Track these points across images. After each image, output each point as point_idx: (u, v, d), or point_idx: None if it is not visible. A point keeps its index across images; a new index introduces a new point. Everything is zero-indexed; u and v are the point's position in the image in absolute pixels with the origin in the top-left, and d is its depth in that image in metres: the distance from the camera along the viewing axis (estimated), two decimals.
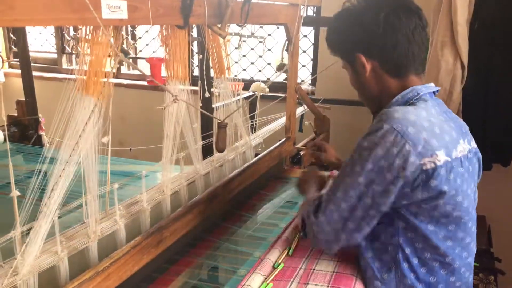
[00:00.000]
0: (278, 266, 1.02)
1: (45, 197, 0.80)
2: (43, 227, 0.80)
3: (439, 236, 0.93)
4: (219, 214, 1.31)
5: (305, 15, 1.58)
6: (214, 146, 1.19)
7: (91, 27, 0.83)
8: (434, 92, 1.02)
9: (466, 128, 1.05)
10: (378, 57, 0.99)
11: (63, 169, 0.79)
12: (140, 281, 1.00)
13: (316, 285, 0.95)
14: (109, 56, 0.85)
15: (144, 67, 3.30)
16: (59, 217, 0.84)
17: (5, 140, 2.15)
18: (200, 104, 1.21)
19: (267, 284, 0.95)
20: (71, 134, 0.84)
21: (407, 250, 0.95)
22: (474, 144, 1.04)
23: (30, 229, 0.80)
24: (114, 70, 0.89)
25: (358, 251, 1.01)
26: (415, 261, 0.95)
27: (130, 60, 3.34)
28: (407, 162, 0.87)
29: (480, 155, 1.06)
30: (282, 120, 1.80)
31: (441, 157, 0.89)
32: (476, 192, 1.03)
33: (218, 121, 1.14)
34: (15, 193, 0.78)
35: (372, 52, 0.99)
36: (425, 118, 0.92)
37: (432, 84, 1.03)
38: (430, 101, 0.99)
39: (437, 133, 0.91)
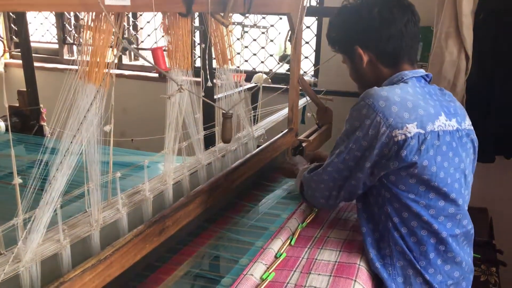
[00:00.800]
0: (280, 255, 1.02)
1: (48, 184, 0.80)
2: (45, 214, 0.80)
3: (420, 204, 1.00)
4: (222, 204, 1.30)
5: (308, 5, 1.56)
6: (220, 137, 1.18)
7: (94, 15, 0.82)
8: (424, 77, 1.10)
9: (460, 110, 1.10)
10: (373, 49, 1.09)
11: (65, 155, 0.79)
12: (142, 269, 1.00)
13: (319, 274, 0.95)
14: (110, 47, 0.85)
15: (147, 57, 3.29)
16: (61, 207, 0.84)
17: (6, 130, 2.15)
18: (203, 94, 1.20)
19: (269, 273, 0.95)
20: (73, 122, 0.84)
21: (395, 220, 1.02)
22: (466, 126, 1.09)
23: (32, 217, 0.80)
24: (116, 60, 0.89)
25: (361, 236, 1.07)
26: (404, 230, 1.02)
27: (129, 51, 3.33)
28: (378, 132, 0.97)
29: (475, 137, 1.11)
30: (284, 112, 1.79)
31: (412, 130, 0.96)
32: (470, 173, 1.09)
33: (223, 111, 1.14)
34: (17, 180, 0.78)
35: (369, 44, 1.09)
36: (397, 94, 1.00)
37: (422, 70, 1.11)
38: (411, 82, 1.06)
39: (409, 107, 0.98)
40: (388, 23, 1.06)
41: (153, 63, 1.04)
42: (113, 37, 0.83)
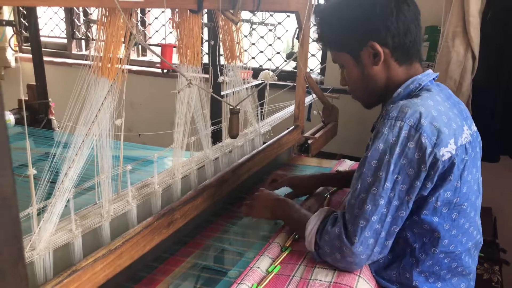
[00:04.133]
0: (286, 249, 1.04)
1: (62, 176, 0.82)
2: (58, 204, 0.82)
3: (445, 227, 0.93)
4: (228, 199, 1.32)
5: (316, 3, 1.58)
6: (227, 132, 1.20)
7: (106, 11, 0.84)
8: (433, 78, 1.03)
9: (467, 112, 1.05)
10: (391, 43, 0.98)
11: (80, 148, 0.81)
12: (151, 260, 1.02)
13: (323, 268, 0.97)
14: (123, 42, 0.87)
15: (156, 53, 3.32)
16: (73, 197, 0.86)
17: (18, 123, 2.18)
18: (211, 90, 1.22)
19: (275, 266, 0.97)
20: (86, 116, 0.86)
21: (415, 245, 0.95)
22: (474, 128, 1.03)
23: (45, 207, 0.83)
24: (129, 54, 0.90)
25: None
26: (422, 256, 0.95)
27: (140, 45, 3.36)
28: (425, 155, 0.87)
29: (480, 138, 1.05)
30: (291, 109, 1.81)
31: (453, 146, 0.90)
32: (480, 178, 1.03)
33: (231, 107, 1.15)
34: (31, 171, 0.80)
35: (386, 38, 0.97)
36: (433, 107, 0.91)
37: (430, 71, 1.03)
38: (433, 88, 0.98)
39: (445, 121, 0.91)
40: (405, 15, 0.97)
41: (164, 59, 1.06)
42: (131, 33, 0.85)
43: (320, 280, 0.92)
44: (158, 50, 2.99)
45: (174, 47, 1.12)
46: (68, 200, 0.84)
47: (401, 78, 1.01)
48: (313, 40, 1.15)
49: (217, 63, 1.49)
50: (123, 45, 0.89)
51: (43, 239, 0.80)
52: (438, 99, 0.95)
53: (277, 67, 2.92)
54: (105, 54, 0.83)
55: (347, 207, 0.94)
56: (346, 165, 1.63)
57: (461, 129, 0.95)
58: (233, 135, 1.17)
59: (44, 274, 0.79)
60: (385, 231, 0.90)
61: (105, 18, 0.84)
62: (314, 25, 1.10)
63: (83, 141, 0.82)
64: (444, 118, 0.91)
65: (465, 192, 0.94)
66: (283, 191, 1.35)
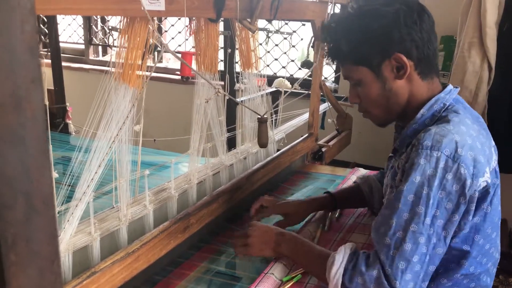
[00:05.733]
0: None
1: (83, 180, 0.84)
2: (79, 207, 0.84)
3: (472, 254, 0.90)
4: (242, 205, 1.33)
5: (332, 12, 1.59)
6: (242, 139, 1.21)
7: (127, 19, 0.86)
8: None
9: (485, 125, 1.00)
10: (415, 55, 0.92)
11: (102, 152, 0.83)
12: (166, 264, 1.03)
13: None
14: (145, 50, 0.89)
15: (174, 60, 3.36)
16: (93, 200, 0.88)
17: None
18: (237, 100, 1.23)
19: (294, 276, 0.97)
20: (107, 121, 0.88)
21: (440, 270, 0.90)
22: (493, 143, 0.98)
23: (64, 210, 0.85)
24: (152, 63, 0.93)
25: None
26: (446, 282, 0.91)
27: (156, 53, 3.41)
28: (465, 186, 0.83)
29: (497, 151, 1.00)
30: (305, 117, 1.82)
31: (488, 174, 0.86)
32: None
33: (259, 116, 1.16)
34: (53, 174, 0.82)
35: (411, 50, 0.91)
36: (467, 134, 0.86)
37: (450, 86, 0.98)
38: (460, 109, 0.92)
39: (479, 148, 0.87)
40: (427, 26, 0.92)
41: (190, 66, 1.07)
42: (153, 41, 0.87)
43: None
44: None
45: (193, 55, 1.14)
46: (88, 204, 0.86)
47: (424, 94, 0.95)
48: (326, 56, 1.04)
49: (233, 71, 1.50)
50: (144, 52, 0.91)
51: (64, 241, 0.81)
52: (468, 122, 0.90)
53: (292, 75, 2.93)
54: (126, 61, 0.86)
55: (380, 247, 0.85)
56: (360, 173, 1.63)
57: (491, 152, 0.91)
58: (263, 143, 1.17)
59: (63, 276, 0.81)
60: (424, 271, 0.84)
61: (127, 26, 0.86)
62: (327, 39, 1.00)
63: (110, 147, 0.84)
64: (478, 145, 0.87)
65: (492, 216, 0.90)
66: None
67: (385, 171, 1.11)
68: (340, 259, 0.88)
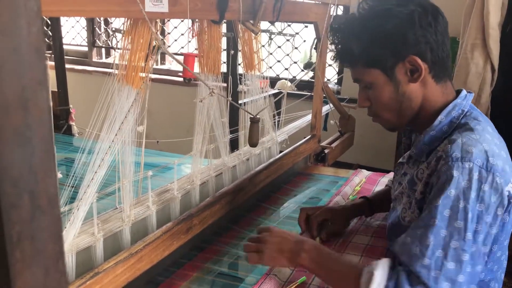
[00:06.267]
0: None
1: (86, 181, 0.84)
2: (82, 208, 0.84)
3: (488, 265, 0.87)
4: (245, 206, 1.34)
5: (334, 14, 1.59)
6: (245, 140, 1.21)
7: (130, 21, 0.87)
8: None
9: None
10: (429, 58, 0.89)
11: (106, 154, 0.84)
12: (169, 265, 1.04)
13: None
14: (148, 50, 0.89)
15: (175, 62, 3.37)
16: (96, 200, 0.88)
17: None
18: (230, 99, 1.24)
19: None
20: (109, 123, 0.89)
21: None
22: None
23: (69, 210, 0.85)
24: (153, 64, 0.93)
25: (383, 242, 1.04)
26: None
27: (159, 55, 3.41)
28: (502, 196, 0.80)
29: None
30: (307, 118, 1.82)
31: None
32: None
33: (251, 116, 1.17)
34: (58, 175, 0.82)
35: (426, 52, 0.88)
36: (492, 142, 0.84)
37: (465, 91, 0.95)
38: (481, 117, 0.90)
39: (505, 157, 0.85)
40: (440, 27, 0.90)
41: (188, 68, 1.08)
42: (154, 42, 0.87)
43: None
44: (180, 59, 3.04)
45: (196, 56, 1.14)
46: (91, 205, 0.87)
47: (438, 98, 0.93)
48: (334, 59, 1.00)
49: (235, 73, 1.51)
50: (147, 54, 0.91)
51: (67, 242, 0.82)
52: (490, 130, 0.88)
53: (294, 77, 2.94)
54: (130, 63, 0.86)
55: (417, 268, 0.79)
56: (363, 175, 1.63)
57: (509, 157, 0.88)
58: (253, 143, 1.18)
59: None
60: (467, 285, 0.79)
61: (131, 28, 0.87)
62: (336, 41, 0.97)
63: (110, 147, 0.84)
64: (503, 153, 0.85)
65: (509, 224, 0.87)
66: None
67: (395, 177, 1.09)
68: (379, 275, 0.81)
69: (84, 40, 3.70)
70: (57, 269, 0.31)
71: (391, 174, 1.45)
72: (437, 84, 0.92)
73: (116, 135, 0.85)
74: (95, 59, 3.63)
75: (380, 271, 0.82)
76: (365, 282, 0.81)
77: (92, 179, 0.83)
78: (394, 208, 1.04)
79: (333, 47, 0.99)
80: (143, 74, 0.90)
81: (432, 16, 0.88)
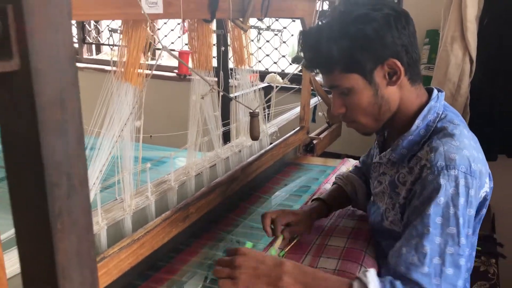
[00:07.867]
0: (295, 238, 1.12)
1: (92, 173, 0.90)
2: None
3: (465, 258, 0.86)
4: (238, 195, 1.40)
5: (320, 9, 1.66)
6: (237, 133, 1.27)
7: (130, 22, 0.92)
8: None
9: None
10: (405, 60, 0.90)
11: (109, 148, 0.90)
12: (169, 251, 1.10)
13: (328, 258, 1.04)
14: (147, 49, 0.95)
15: (167, 57, 3.40)
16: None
17: None
18: (232, 96, 1.29)
19: (283, 251, 1.04)
20: (111, 118, 0.94)
21: None
22: None
23: None
24: (151, 61, 0.99)
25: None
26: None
27: (157, 53, 3.45)
28: (484, 199, 0.88)
29: None
30: (296, 111, 1.89)
31: (487, 183, 0.89)
32: None
33: (250, 110, 1.23)
34: None
35: (402, 55, 0.89)
36: (471, 147, 0.87)
37: (435, 91, 0.97)
38: (456, 119, 0.93)
39: (481, 158, 0.88)
40: (413, 31, 0.92)
41: (187, 65, 1.14)
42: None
43: (326, 268, 1.00)
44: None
45: (190, 53, 1.20)
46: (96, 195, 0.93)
47: (413, 100, 0.95)
48: (307, 67, 0.99)
49: (226, 68, 1.56)
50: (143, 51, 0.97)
51: None
52: (466, 133, 0.90)
53: (283, 71, 3.00)
54: (129, 61, 0.92)
55: (420, 277, 0.80)
56: (350, 163, 1.71)
57: (485, 159, 0.91)
58: (255, 136, 1.23)
59: None
60: (464, 270, 0.83)
61: (130, 28, 0.92)
62: (310, 47, 0.94)
63: (116, 142, 0.90)
64: (480, 156, 0.89)
65: (480, 220, 0.92)
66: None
67: (372, 174, 1.13)
68: (374, 287, 0.80)
69: (74, 37, 3.72)
70: (88, 238, 0.38)
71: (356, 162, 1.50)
72: (412, 86, 0.94)
73: (115, 131, 0.91)
74: (85, 55, 3.65)
75: (374, 284, 0.81)
76: None
77: (100, 171, 0.89)
78: (375, 203, 1.08)
79: (305, 54, 0.96)
80: (141, 71, 0.96)
81: (404, 19, 0.90)
